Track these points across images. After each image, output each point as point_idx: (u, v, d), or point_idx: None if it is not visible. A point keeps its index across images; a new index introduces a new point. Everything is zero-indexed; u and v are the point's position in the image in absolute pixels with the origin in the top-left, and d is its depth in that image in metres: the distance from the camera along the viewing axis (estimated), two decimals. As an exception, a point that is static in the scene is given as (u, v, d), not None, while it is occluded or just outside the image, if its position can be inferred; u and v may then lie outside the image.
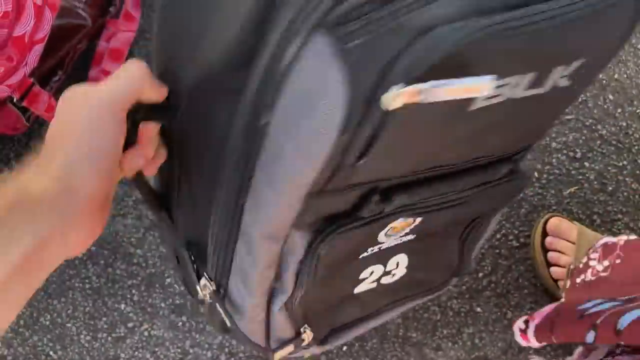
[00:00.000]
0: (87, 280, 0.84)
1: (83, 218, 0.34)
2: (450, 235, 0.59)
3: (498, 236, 0.87)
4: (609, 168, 0.91)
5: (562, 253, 0.82)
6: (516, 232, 0.87)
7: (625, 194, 0.89)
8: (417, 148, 0.42)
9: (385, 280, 0.57)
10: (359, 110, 0.33)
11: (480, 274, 0.85)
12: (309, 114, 0.33)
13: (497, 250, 0.86)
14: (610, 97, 0.95)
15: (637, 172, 0.90)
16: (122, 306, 0.83)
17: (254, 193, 0.41)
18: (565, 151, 0.92)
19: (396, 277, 0.58)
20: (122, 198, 0.87)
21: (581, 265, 0.75)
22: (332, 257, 0.49)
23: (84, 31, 0.87)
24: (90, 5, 0.86)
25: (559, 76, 0.40)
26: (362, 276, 0.56)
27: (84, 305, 0.83)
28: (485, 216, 0.58)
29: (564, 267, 0.81)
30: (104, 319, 0.82)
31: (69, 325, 0.82)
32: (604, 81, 0.95)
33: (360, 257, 0.53)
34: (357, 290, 0.57)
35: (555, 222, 0.84)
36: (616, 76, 0.95)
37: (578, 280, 0.74)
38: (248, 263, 0.49)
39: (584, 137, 0.93)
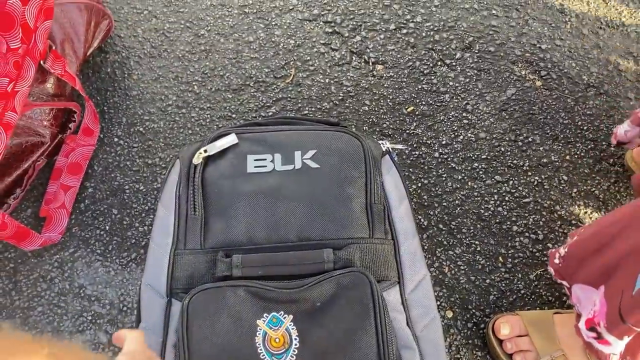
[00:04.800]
0: None
1: None
2: None
3: (469, 325, 0.85)
4: (573, 247, 0.91)
5: (526, 350, 0.79)
6: (487, 320, 0.85)
7: (592, 272, 0.88)
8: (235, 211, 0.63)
9: None
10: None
11: (454, 368, 0.82)
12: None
13: (470, 341, 0.84)
14: (565, 177, 0.97)
15: (601, 249, 0.90)
16: None
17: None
18: (527, 234, 0.92)
19: None
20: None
21: None
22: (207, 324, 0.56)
23: (42, 148, 0.88)
24: (50, 123, 0.88)
25: (300, 158, 0.65)
26: None
27: None
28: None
29: None
30: None
31: None
32: (557, 163, 0.98)
33: None
34: None
35: (501, 325, 0.81)
36: (567, 157, 0.98)
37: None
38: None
39: (544, 219, 0.93)
